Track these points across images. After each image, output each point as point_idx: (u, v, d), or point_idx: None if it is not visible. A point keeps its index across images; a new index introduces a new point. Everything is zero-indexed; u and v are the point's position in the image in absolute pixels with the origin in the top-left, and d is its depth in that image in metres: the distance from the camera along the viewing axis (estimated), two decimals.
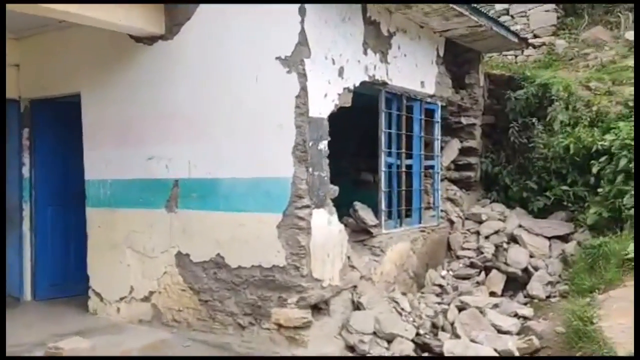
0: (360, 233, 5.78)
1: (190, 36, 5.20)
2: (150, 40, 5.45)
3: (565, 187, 7.00)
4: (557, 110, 7.23)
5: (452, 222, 7.28)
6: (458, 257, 6.92)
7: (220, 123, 5.05)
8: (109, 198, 5.89)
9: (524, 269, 6.49)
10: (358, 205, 5.81)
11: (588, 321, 4.42)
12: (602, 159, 6.53)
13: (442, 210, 7.21)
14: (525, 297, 6.18)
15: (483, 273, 6.63)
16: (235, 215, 4.98)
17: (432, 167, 7.05)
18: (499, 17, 10.82)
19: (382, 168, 5.90)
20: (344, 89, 5.10)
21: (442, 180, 7.65)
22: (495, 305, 5.71)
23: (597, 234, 6.21)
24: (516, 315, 5.68)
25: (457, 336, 5.05)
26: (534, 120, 7.56)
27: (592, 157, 6.74)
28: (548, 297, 6.06)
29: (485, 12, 6.57)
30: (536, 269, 6.46)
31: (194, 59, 5.18)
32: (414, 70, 6.28)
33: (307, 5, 4.60)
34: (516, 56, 10.49)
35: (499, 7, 11.01)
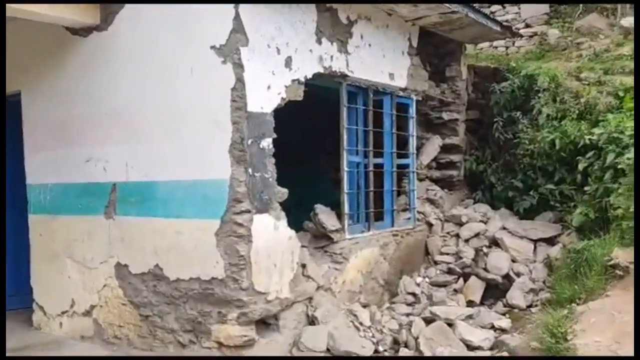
0: (321, 239, 5.29)
1: (123, 26, 4.75)
2: (86, 31, 5.00)
3: (550, 186, 6.45)
4: (542, 102, 6.69)
5: (430, 225, 6.78)
6: (436, 263, 6.41)
7: (156, 121, 4.59)
8: (49, 204, 5.46)
9: (505, 275, 5.97)
10: (319, 208, 5.33)
11: (562, 338, 3.90)
12: (590, 154, 5.99)
13: (419, 212, 6.71)
14: (504, 306, 5.65)
15: (461, 280, 6.12)
16: (173, 222, 4.52)
17: (407, 165, 6.54)
18: (489, 6, 10.30)
19: (345, 168, 5.41)
20: (293, 81, 4.62)
21: (422, 179, 7.17)
22: (470, 317, 5.20)
23: (583, 236, 5.66)
24: (493, 327, 5.17)
25: (420, 352, 4.54)
26: (518, 114, 7.01)
27: (579, 153, 6.20)
28: (529, 306, 5.55)
29: None
30: (518, 275, 5.94)
31: (128, 52, 4.73)
32: (380, 62, 5.78)
33: None
34: (507, 47, 9.95)
35: None
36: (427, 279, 6.18)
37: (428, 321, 5.18)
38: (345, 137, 5.39)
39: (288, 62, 4.56)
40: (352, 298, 5.33)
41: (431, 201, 7.07)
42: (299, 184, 6.13)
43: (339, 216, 5.38)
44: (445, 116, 7.39)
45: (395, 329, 4.85)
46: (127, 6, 4.69)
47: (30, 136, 5.59)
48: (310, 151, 7.81)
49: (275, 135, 4.46)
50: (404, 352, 4.58)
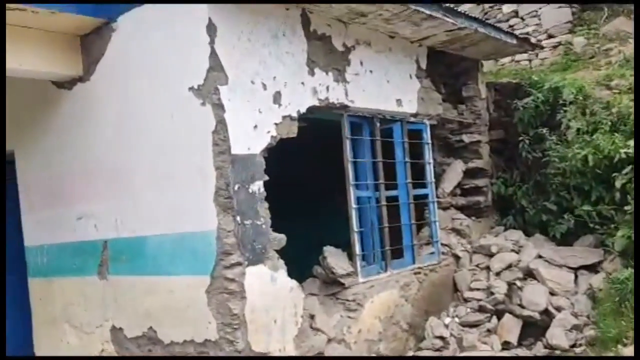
0: (332, 285, 4.84)
1: (103, 74, 4.51)
2: (70, 83, 4.79)
3: (587, 207, 5.83)
4: (569, 116, 6.13)
5: (457, 258, 6.23)
6: (466, 300, 5.84)
7: (140, 172, 4.29)
8: (45, 266, 5.21)
9: (544, 310, 5.35)
10: (328, 250, 4.89)
11: None
12: (627, 169, 5.38)
13: (444, 245, 6.18)
14: (545, 347, 5.03)
15: (495, 318, 5.52)
16: (163, 280, 4.17)
17: (426, 195, 6.06)
18: (507, 20, 9.84)
19: (353, 204, 4.98)
20: (284, 117, 4.26)
21: (446, 208, 6.66)
22: None
23: (628, 262, 5.03)
24: None
25: None
26: (545, 130, 6.46)
27: (615, 169, 5.60)
28: (573, 345, 4.92)
29: (464, 12, 5.61)
30: (558, 309, 5.32)
31: (108, 101, 4.48)
32: (385, 88, 5.38)
33: (218, 22, 3.81)
34: (530, 61, 9.44)
35: (506, 9, 9.98)
36: (456, 319, 5.61)
37: None
38: (350, 171, 4.98)
39: (277, 98, 4.21)
40: (371, 348, 4.83)
41: (457, 231, 6.54)
42: (317, 223, 5.76)
43: (352, 257, 4.93)
44: (466, 139, 6.90)
45: None
46: (107, 54, 4.45)
47: (25, 196, 5.40)
48: (328, 187, 7.43)
49: (266, 178, 4.09)
50: None
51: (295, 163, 7.13)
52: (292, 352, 4.11)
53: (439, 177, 6.76)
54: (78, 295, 4.85)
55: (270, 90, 4.17)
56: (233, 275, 3.78)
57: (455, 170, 6.86)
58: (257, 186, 3.99)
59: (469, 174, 6.91)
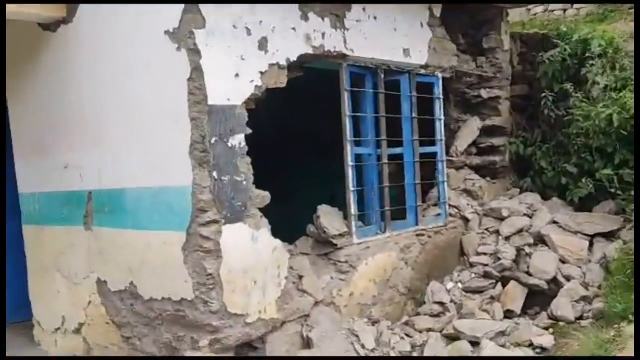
0: (325, 245, 4.62)
1: (85, 16, 4.25)
2: (55, 25, 4.54)
3: (607, 171, 5.40)
4: (594, 71, 5.61)
5: (466, 220, 5.91)
6: (471, 265, 5.55)
7: (119, 121, 4.08)
8: (37, 213, 5.12)
9: (552, 279, 5.04)
10: (322, 209, 4.65)
11: None
12: None
13: (453, 206, 5.86)
14: (549, 317, 4.74)
15: (500, 285, 5.24)
16: (142, 234, 4.01)
17: (434, 154, 5.71)
18: None
19: (349, 162, 4.69)
20: (271, 65, 3.95)
21: (460, 168, 6.31)
22: (502, 333, 4.37)
23: None
24: (531, 344, 4.32)
25: None
26: (570, 86, 5.95)
27: None
28: (579, 317, 4.62)
29: None
30: (568, 278, 5.00)
31: (89, 46, 4.23)
32: (391, 36, 4.97)
33: None
34: (564, 11, 8.78)
35: None
36: (459, 284, 5.35)
37: (452, 338, 4.41)
38: (347, 126, 4.67)
39: (263, 44, 3.89)
40: (364, 311, 4.63)
41: (469, 192, 6.19)
42: (330, 178, 5.48)
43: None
44: (484, 94, 6.46)
45: (406, 351, 4.10)
46: None
47: (18, 143, 5.27)
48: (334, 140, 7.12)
49: (249, 131, 3.82)
50: None
51: (310, 115, 6.82)
52: (273, 315, 3.93)
53: (454, 134, 6.38)
54: (66, 244, 4.76)
55: (255, 36, 3.84)
56: (208, 233, 3.58)
57: (471, 128, 6.45)
58: (237, 140, 3.73)
59: (486, 131, 6.50)
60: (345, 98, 4.64)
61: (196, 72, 3.51)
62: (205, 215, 3.57)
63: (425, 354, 4.02)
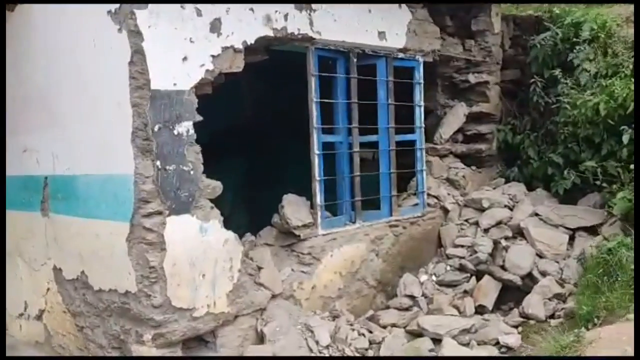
0: (289, 236, 4.46)
1: None
2: (13, 3, 4.38)
3: (591, 163, 5.15)
4: (582, 57, 5.33)
5: (446, 211, 5.72)
6: (448, 257, 5.37)
7: (69, 105, 3.95)
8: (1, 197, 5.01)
9: (527, 274, 4.86)
10: (288, 198, 4.50)
11: None
12: None
13: (432, 196, 5.66)
14: (520, 315, 4.56)
15: (474, 279, 5.06)
16: (91, 223, 3.89)
17: (414, 142, 5.50)
18: None
19: (316, 150, 4.50)
20: (225, 48, 3.75)
21: (443, 156, 6.11)
22: (467, 331, 4.21)
23: (627, 228, 4.42)
24: (497, 344, 4.15)
25: None
26: (558, 72, 5.68)
27: (630, 120, 4.86)
28: (551, 316, 4.44)
29: None
30: (544, 274, 4.81)
31: (41, 25, 4.07)
32: (364, 18, 4.74)
33: None
34: None
35: None
36: (434, 277, 5.18)
37: (416, 335, 4.26)
38: (314, 113, 4.47)
39: (215, 26, 3.69)
40: (327, 305, 4.49)
41: (451, 182, 5.99)
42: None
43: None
44: (472, 79, 6.22)
45: (363, 348, 3.96)
46: None
47: None
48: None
49: (199, 118, 3.64)
50: None
51: (297, 97, 6.64)
52: (224, 309, 3.80)
53: (439, 121, 6.17)
54: (27, 230, 4.67)
55: (206, 17, 3.65)
56: (151, 225, 3.44)
57: (457, 114, 6.22)
58: (185, 127, 3.56)
59: (473, 118, 6.27)
60: (312, 83, 4.44)
61: (138, 55, 3.33)
62: (148, 206, 3.43)
63: (381, 352, 3.87)
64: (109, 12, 3.41)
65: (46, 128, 4.22)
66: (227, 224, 3.86)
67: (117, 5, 3.35)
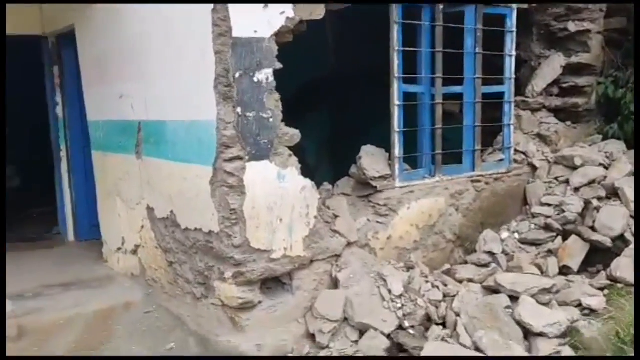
0: (366, 187, 4.49)
1: None
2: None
3: None
4: None
5: (534, 168, 5.48)
6: (533, 216, 5.18)
7: (159, 53, 4.12)
8: (102, 141, 5.43)
9: (619, 236, 4.58)
10: (365, 149, 4.51)
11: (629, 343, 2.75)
12: None
13: (520, 152, 5.44)
14: (608, 277, 4.35)
15: (560, 239, 4.86)
16: (179, 166, 4.12)
17: (502, 94, 5.26)
18: None
19: (396, 101, 4.44)
20: None
21: (536, 110, 5.81)
22: (547, 290, 4.07)
23: None
24: (579, 305, 4.01)
25: (457, 335, 3.65)
26: None
27: None
28: None
29: None
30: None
31: None
32: None
33: None
34: None
35: None
36: (516, 235, 5.03)
37: (492, 291, 4.20)
38: (396, 62, 4.39)
39: None
40: (403, 256, 4.51)
41: (542, 138, 5.70)
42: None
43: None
44: (572, 27, 5.78)
45: (436, 300, 3.96)
46: None
47: (84, 71, 5.55)
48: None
49: (279, 65, 3.69)
50: (435, 331, 3.71)
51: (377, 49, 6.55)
52: (300, 253, 3.93)
53: (533, 72, 5.85)
54: (124, 172, 5.02)
55: None
56: (232, 170, 3.59)
57: (552, 66, 5.85)
58: (265, 75, 3.63)
59: (571, 70, 5.87)
60: (395, 31, 4.34)
61: (220, 2, 3.40)
62: (229, 151, 3.57)
63: (454, 306, 3.85)
64: None
65: (138, 76, 4.46)
66: (313, 176, 3.97)
67: None
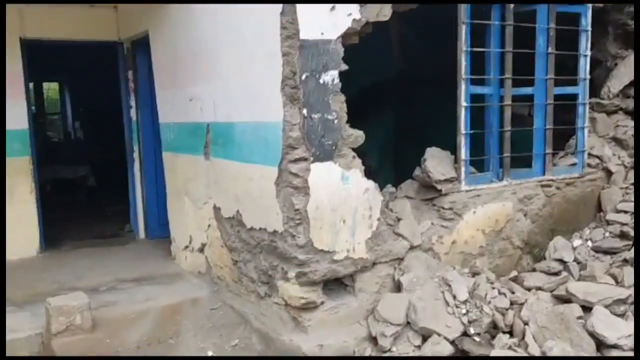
0: (430, 190, 4.43)
1: None
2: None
3: None
4: None
5: (609, 173, 5.23)
6: (608, 223, 4.94)
7: (229, 56, 4.23)
8: (173, 142, 5.63)
9: None
10: (430, 152, 4.45)
11: None
12: None
13: (594, 156, 5.21)
14: None
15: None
16: (246, 167, 4.21)
17: (575, 95, 5.06)
18: None
19: (463, 102, 4.36)
20: None
21: (611, 112, 5.56)
22: (622, 301, 3.87)
23: None
24: None
25: (525, 344, 3.53)
26: None
27: None
28: None
29: None
30: None
31: None
32: None
33: None
34: None
35: None
36: (589, 243, 4.81)
37: (564, 300, 4.03)
38: (463, 63, 4.30)
39: None
40: (467, 261, 4.41)
41: (618, 141, 5.44)
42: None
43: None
44: None
45: (503, 307, 3.85)
46: None
47: (157, 75, 5.76)
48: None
49: (345, 67, 3.70)
50: (502, 339, 3.60)
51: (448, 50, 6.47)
52: (363, 255, 3.93)
53: (608, 73, 5.59)
54: (192, 172, 5.18)
55: None
56: (297, 170, 3.63)
57: (630, 66, 5.57)
58: (331, 77, 3.65)
59: None
60: (462, 31, 4.26)
61: (289, 5, 3.46)
62: (294, 152, 3.61)
63: (522, 314, 3.73)
64: None
65: (208, 79, 4.59)
66: (375, 178, 3.96)
67: None
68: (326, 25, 3.59)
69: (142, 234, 7.00)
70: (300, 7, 3.47)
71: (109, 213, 8.37)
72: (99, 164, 10.33)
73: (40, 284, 5.29)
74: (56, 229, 6.89)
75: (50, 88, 16.72)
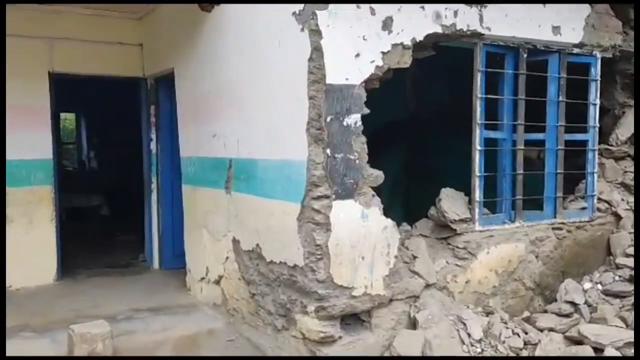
0: (445, 229, 4.57)
1: None
2: (210, 4, 5.01)
3: None
4: None
5: (618, 217, 5.36)
6: (617, 266, 5.05)
7: (253, 97, 4.43)
8: (193, 175, 5.79)
9: None
10: (445, 192, 4.60)
11: None
12: None
13: (603, 201, 5.36)
14: None
15: None
16: (267, 202, 4.35)
17: (585, 142, 5.24)
18: None
19: (477, 146, 4.53)
20: (394, 45, 3.96)
21: (619, 159, 5.73)
22: (632, 344, 3.95)
23: None
24: None
25: None
26: None
27: None
28: None
29: None
30: None
31: (236, 25, 4.62)
32: (537, 13, 4.64)
33: None
34: None
35: None
36: (599, 286, 4.91)
37: (575, 342, 4.12)
38: (478, 108, 4.50)
39: (387, 24, 3.91)
40: (480, 301, 4.51)
41: (626, 187, 5.59)
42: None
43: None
44: None
45: (517, 347, 3.93)
46: None
47: (181, 111, 5.97)
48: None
49: (367, 111, 3.89)
50: None
51: (458, 92, 6.68)
52: (380, 291, 4.03)
53: (617, 120, 5.78)
54: (212, 205, 5.33)
55: (379, 16, 3.88)
56: (319, 207, 3.78)
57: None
58: (353, 119, 3.83)
59: None
60: (478, 79, 4.47)
61: (316, 52, 3.67)
62: (317, 189, 3.77)
63: (536, 354, 3.81)
64: (294, 13, 3.79)
65: (233, 116, 4.79)
66: (385, 214, 4.10)
67: (301, 6, 3.72)
68: (351, 71, 3.80)
69: (156, 264, 7.11)
70: (327, 54, 3.68)
71: (121, 241, 8.49)
72: (113, 194, 10.50)
73: (57, 311, 5.38)
74: (71, 257, 7.01)
75: (67, 118, 17.05)
